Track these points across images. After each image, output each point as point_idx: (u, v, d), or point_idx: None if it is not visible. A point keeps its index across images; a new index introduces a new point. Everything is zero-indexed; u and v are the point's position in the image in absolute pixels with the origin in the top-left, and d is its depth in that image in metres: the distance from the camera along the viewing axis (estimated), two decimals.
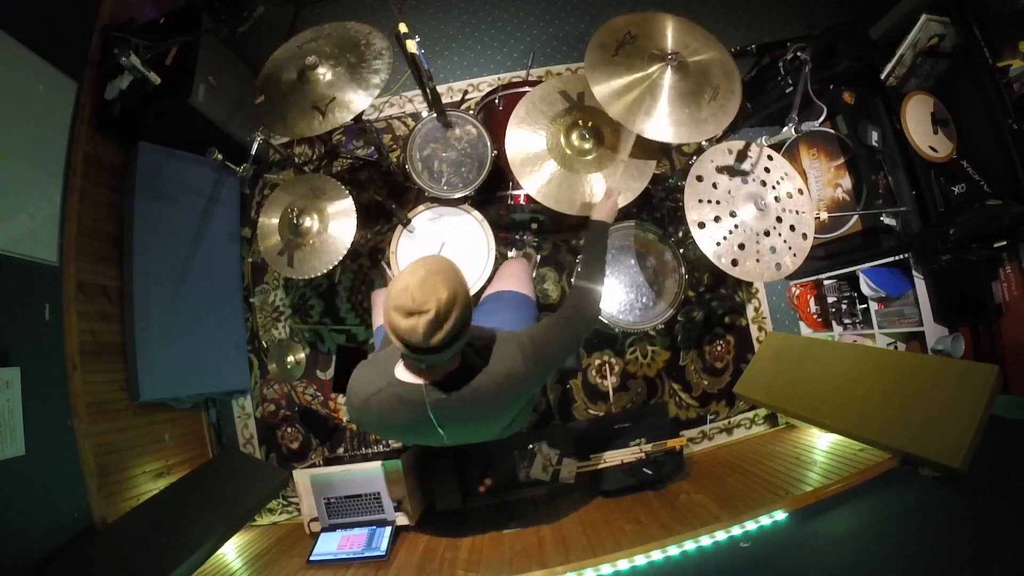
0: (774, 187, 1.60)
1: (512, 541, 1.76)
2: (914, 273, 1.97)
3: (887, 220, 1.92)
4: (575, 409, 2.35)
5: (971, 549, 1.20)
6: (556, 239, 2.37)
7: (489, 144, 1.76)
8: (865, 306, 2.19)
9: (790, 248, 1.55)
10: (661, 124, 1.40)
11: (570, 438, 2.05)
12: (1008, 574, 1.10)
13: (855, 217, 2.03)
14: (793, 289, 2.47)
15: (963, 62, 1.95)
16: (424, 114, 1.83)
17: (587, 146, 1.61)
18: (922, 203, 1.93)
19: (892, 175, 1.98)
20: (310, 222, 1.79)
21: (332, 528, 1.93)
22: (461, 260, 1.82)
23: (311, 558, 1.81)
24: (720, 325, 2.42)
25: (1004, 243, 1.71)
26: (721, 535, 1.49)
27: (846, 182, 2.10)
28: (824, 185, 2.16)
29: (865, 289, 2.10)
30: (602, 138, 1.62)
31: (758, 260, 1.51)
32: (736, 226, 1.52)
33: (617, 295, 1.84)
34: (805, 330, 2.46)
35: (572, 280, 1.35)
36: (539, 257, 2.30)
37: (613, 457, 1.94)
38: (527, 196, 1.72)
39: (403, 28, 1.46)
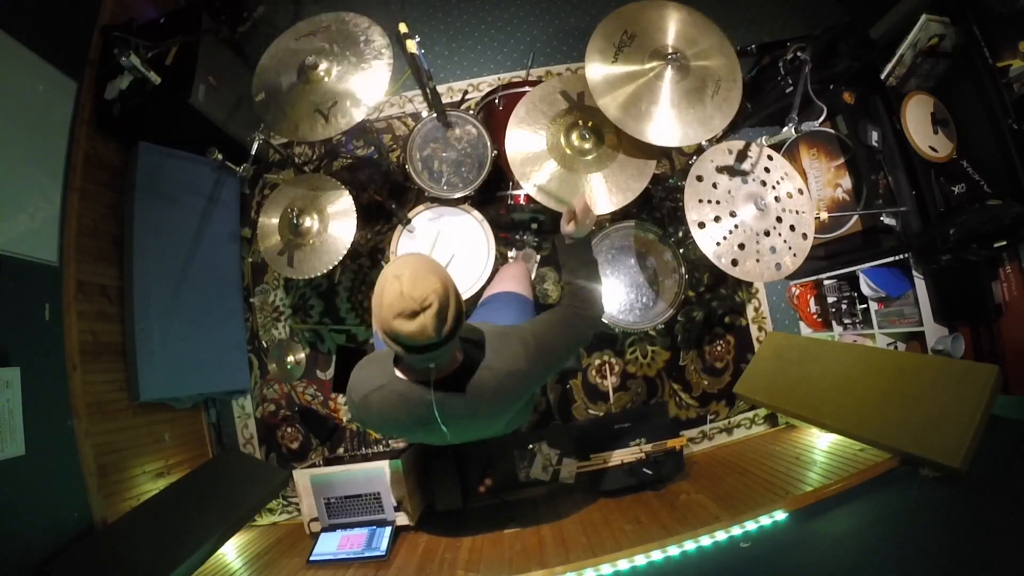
0: (774, 187, 1.60)
1: (512, 541, 1.76)
2: (914, 273, 1.97)
3: (887, 220, 1.92)
4: (575, 409, 2.35)
5: (971, 549, 1.20)
6: (556, 239, 2.37)
7: (489, 144, 1.76)
8: (865, 306, 2.19)
9: (790, 248, 1.55)
10: (671, 128, 1.43)
11: (570, 438, 2.05)
12: (1008, 574, 1.09)
13: (855, 217, 2.03)
14: (793, 289, 2.47)
15: (963, 62, 1.95)
16: (424, 114, 1.83)
17: (587, 146, 1.61)
18: (922, 203, 1.93)
19: (892, 175, 1.98)
20: (310, 222, 1.79)
21: (332, 528, 1.93)
22: (461, 260, 1.83)
23: (311, 558, 1.81)
24: (720, 325, 2.42)
25: (1004, 243, 1.71)
26: (721, 535, 1.48)
27: (846, 182, 2.10)
28: (824, 185, 2.16)
29: (865, 289, 2.10)
30: (602, 138, 1.62)
31: (758, 260, 1.51)
32: (736, 226, 1.52)
33: (617, 295, 1.84)
34: (805, 330, 2.46)
35: (563, 278, 1.26)
36: (539, 257, 2.31)
37: (613, 457, 1.94)
38: (527, 196, 1.72)
39: (403, 28, 1.46)
